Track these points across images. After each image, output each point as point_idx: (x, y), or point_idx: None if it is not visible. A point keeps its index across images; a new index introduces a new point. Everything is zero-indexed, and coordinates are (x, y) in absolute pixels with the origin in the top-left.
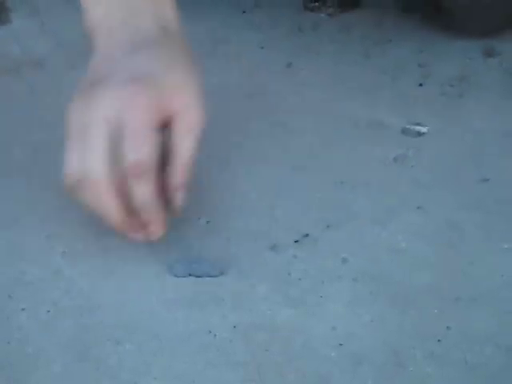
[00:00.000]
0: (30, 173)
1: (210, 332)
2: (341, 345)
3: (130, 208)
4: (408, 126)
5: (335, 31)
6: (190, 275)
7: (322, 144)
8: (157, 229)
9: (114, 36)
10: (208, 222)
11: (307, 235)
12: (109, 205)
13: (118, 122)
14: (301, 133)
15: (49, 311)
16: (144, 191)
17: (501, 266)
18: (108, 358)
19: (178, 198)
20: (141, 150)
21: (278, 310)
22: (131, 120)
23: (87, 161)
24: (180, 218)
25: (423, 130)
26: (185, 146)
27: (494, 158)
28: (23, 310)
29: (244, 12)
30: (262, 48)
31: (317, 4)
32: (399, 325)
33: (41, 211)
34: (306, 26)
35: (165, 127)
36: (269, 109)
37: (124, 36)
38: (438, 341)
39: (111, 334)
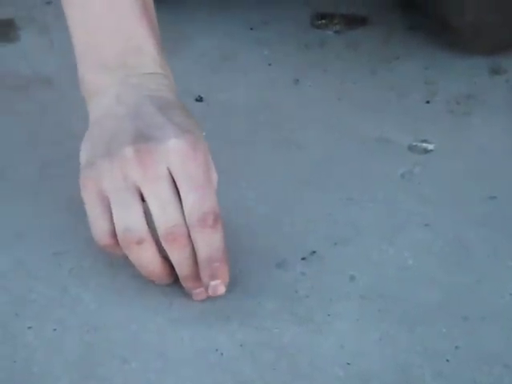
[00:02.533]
0: (38, 190)
1: (217, 350)
2: (349, 364)
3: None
4: (415, 143)
5: (342, 48)
6: None
7: (328, 160)
8: (224, 279)
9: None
10: None
11: (314, 252)
12: (157, 262)
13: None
14: (307, 149)
15: (55, 329)
16: (217, 239)
17: (509, 283)
18: (114, 377)
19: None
20: (207, 200)
21: (285, 328)
22: (191, 174)
23: (130, 223)
24: None
25: (430, 146)
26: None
27: (501, 176)
28: (29, 328)
29: (251, 29)
30: (269, 64)
31: (324, 21)
32: (408, 343)
33: (48, 228)
34: (313, 42)
35: None
36: (275, 125)
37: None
38: (447, 360)
39: (117, 353)
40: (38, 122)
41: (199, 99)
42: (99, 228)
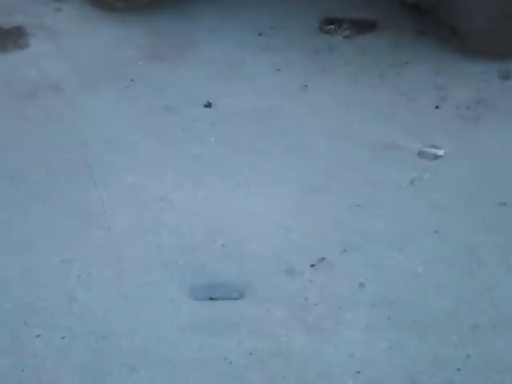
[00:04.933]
0: (46, 196)
1: (226, 359)
2: (358, 372)
3: None
4: (424, 149)
5: (351, 53)
6: (210, 299)
7: (337, 166)
8: None
9: None
10: (223, 245)
11: (323, 259)
12: None
13: None
14: (316, 155)
15: (64, 337)
16: None
17: None
18: None
19: None
20: None
21: (294, 336)
22: None
23: None
24: (195, 240)
25: (440, 152)
26: None
27: (511, 181)
28: (38, 336)
29: (260, 34)
30: (278, 70)
31: (333, 26)
32: (418, 352)
33: (56, 235)
34: (321, 48)
35: None
36: (284, 131)
37: None
38: (458, 369)
39: (126, 361)
40: (47, 128)
41: (208, 105)
42: None
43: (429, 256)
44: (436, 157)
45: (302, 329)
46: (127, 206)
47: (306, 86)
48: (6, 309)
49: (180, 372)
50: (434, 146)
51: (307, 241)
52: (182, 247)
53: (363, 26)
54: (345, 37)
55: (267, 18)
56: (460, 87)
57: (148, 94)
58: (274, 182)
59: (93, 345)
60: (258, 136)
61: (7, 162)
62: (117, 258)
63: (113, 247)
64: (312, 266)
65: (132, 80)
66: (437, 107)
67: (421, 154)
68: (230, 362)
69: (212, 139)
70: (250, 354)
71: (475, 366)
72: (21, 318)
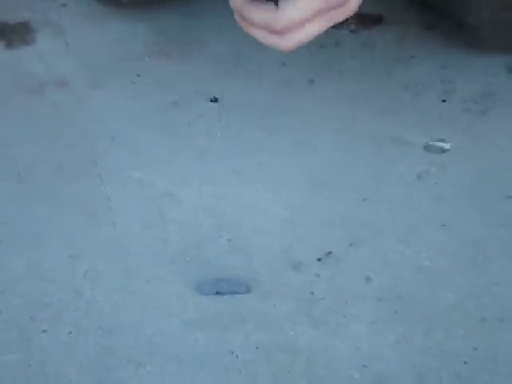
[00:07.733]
0: (52, 192)
1: (232, 353)
2: (365, 366)
3: None
4: (431, 143)
5: (357, 48)
6: (217, 293)
7: (344, 161)
8: None
9: None
10: (229, 240)
11: (330, 253)
12: None
13: None
14: (323, 150)
15: (70, 332)
16: None
17: None
18: (129, 381)
19: None
20: None
21: (300, 330)
22: None
23: None
24: (201, 236)
25: (446, 146)
26: None
27: None
28: (44, 331)
29: None
30: (284, 65)
31: None
32: (424, 345)
33: (63, 231)
34: (328, 42)
35: None
36: (291, 126)
37: None
38: (465, 362)
39: (132, 356)
40: (53, 124)
41: (214, 100)
42: None
43: (435, 250)
44: (443, 151)
45: (308, 323)
46: (133, 202)
47: (312, 80)
48: (13, 304)
49: (186, 367)
50: (441, 140)
51: (314, 235)
52: (188, 242)
53: (369, 20)
54: (351, 31)
55: None
56: (467, 81)
57: (154, 90)
58: (280, 177)
59: (99, 340)
60: (264, 131)
61: (13, 158)
62: (123, 253)
63: (119, 243)
64: (318, 260)
65: (138, 75)
66: (443, 101)
67: (427, 147)
68: (237, 357)
69: (218, 134)
70: (257, 348)
71: (482, 359)
72: (27, 314)
